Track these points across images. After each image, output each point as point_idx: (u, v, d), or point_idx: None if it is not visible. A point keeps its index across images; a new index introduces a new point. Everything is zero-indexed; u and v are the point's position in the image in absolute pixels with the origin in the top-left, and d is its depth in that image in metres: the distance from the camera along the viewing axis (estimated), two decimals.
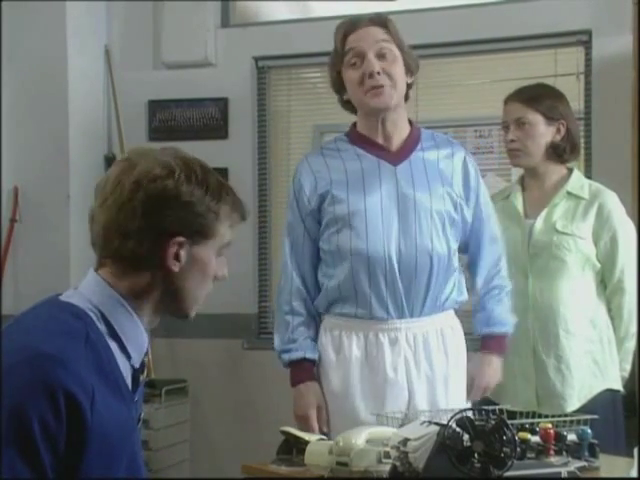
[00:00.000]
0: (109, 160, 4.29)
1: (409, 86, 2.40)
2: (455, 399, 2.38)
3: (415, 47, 3.91)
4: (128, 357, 1.45)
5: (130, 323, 1.44)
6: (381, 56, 2.31)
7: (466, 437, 1.66)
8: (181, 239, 1.42)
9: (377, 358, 2.34)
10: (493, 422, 1.67)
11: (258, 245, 4.33)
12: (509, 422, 1.71)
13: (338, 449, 1.87)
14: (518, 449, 1.70)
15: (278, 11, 4.40)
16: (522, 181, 2.86)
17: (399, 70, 2.33)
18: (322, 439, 2.04)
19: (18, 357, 1.32)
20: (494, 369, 2.48)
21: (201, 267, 1.46)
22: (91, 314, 1.41)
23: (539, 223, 2.74)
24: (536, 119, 2.73)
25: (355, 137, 2.43)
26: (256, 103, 4.34)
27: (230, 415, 4.27)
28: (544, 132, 2.74)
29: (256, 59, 4.32)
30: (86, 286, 1.46)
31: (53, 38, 4.14)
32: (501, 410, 1.96)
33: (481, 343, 2.49)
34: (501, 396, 2.69)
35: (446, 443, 1.66)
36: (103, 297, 1.43)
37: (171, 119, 4.35)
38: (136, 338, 1.45)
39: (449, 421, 1.68)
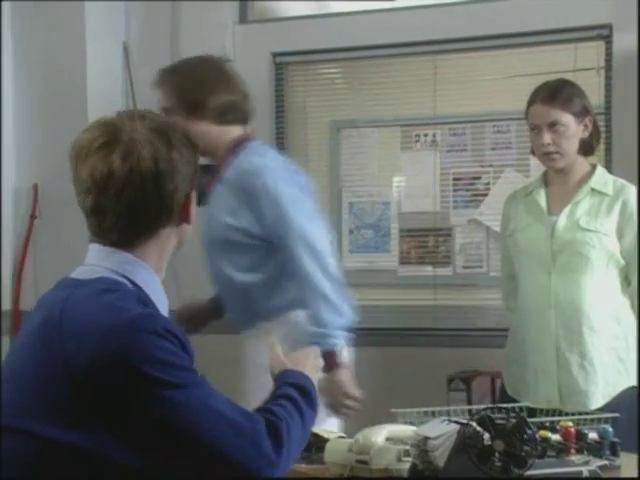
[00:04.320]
0: None
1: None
2: None
3: (433, 42, 3.95)
4: None
5: (153, 281, 1.52)
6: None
7: (486, 436, 1.66)
8: (192, 193, 1.55)
9: None
10: (513, 421, 1.66)
11: None
12: (529, 420, 1.70)
13: (358, 447, 1.87)
14: (539, 448, 1.69)
15: (295, 7, 4.39)
16: (545, 177, 2.84)
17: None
18: (342, 437, 2.04)
19: (116, 319, 1.37)
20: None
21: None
22: (120, 280, 1.47)
23: (562, 220, 2.71)
24: (568, 120, 2.70)
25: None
26: (274, 99, 4.33)
27: None
28: (576, 131, 2.72)
29: (274, 55, 4.31)
30: (98, 258, 1.51)
31: (72, 36, 4.14)
32: (521, 408, 1.96)
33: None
34: (523, 393, 2.68)
35: (466, 442, 1.66)
36: (121, 262, 1.49)
37: None
38: (160, 293, 1.53)
39: (469, 420, 1.68)
